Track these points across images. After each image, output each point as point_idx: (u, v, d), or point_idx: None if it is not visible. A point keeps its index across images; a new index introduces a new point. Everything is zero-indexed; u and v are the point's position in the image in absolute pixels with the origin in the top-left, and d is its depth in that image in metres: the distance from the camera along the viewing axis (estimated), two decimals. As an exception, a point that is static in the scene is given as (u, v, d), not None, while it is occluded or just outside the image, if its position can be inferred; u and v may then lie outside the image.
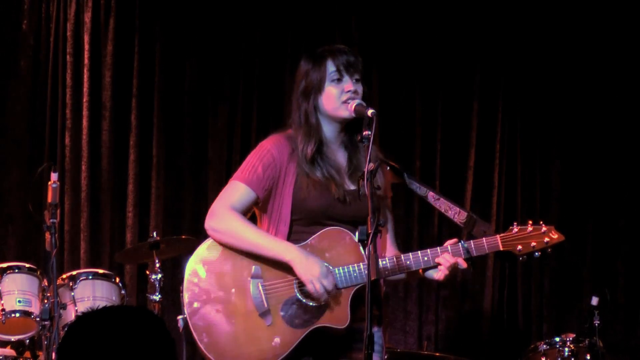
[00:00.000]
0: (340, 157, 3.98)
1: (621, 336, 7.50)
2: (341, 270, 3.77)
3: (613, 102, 7.75)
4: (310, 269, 3.75)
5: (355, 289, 3.76)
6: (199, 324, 3.85)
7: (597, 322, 5.90)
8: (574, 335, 6.01)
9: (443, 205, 3.85)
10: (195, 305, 3.86)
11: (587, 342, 5.91)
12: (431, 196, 3.89)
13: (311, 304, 3.80)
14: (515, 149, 7.75)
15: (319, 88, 3.93)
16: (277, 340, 3.78)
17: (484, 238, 3.72)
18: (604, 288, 6.12)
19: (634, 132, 7.70)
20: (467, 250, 3.73)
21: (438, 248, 3.78)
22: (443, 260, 3.75)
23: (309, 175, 3.89)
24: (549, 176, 7.78)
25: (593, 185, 7.75)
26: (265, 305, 3.81)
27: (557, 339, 6.02)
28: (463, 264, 3.75)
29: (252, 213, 4.06)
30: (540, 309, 7.64)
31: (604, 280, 7.49)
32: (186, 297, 3.88)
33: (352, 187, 3.85)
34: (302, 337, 3.77)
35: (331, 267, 3.79)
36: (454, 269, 3.76)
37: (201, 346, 3.84)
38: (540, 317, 7.63)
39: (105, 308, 2.59)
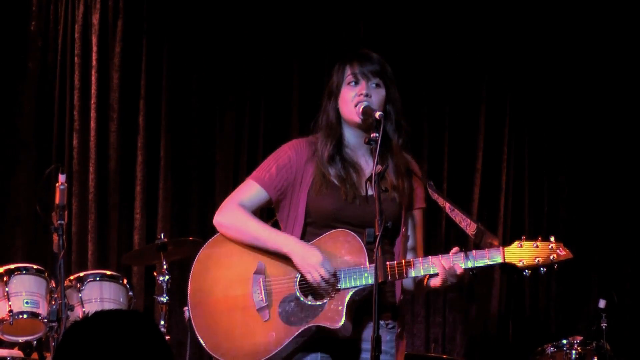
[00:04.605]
0: (364, 161, 3.98)
1: (628, 339, 7.49)
2: (342, 272, 3.78)
3: (620, 103, 7.76)
4: (308, 259, 3.76)
5: (354, 291, 3.75)
6: (199, 314, 3.93)
7: (604, 325, 5.90)
8: (582, 338, 6.01)
9: (457, 216, 3.84)
10: (198, 296, 3.94)
11: (594, 344, 5.91)
12: (448, 207, 3.88)
13: (309, 302, 3.81)
14: (523, 152, 7.76)
15: (337, 91, 3.94)
16: (271, 335, 3.80)
17: (486, 249, 3.70)
18: (612, 291, 6.11)
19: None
20: (469, 260, 3.71)
21: (440, 256, 3.77)
22: (439, 265, 3.73)
23: (325, 177, 3.90)
24: (557, 179, 7.78)
25: (601, 188, 7.75)
26: (264, 301, 3.84)
27: (565, 342, 6.03)
28: (459, 270, 3.71)
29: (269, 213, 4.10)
30: (547, 312, 7.65)
31: (612, 283, 7.49)
32: (190, 288, 3.96)
33: (370, 192, 3.83)
34: (295, 334, 3.77)
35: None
36: (450, 275, 3.73)
37: (199, 337, 3.91)
38: (548, 319, 7.63)
39: (97, 313, 2.59)
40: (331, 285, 3.75)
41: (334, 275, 3.75)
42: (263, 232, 3.88)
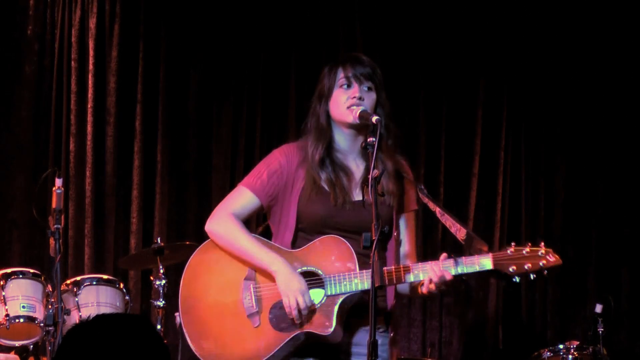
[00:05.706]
0: (354, 165, 3.98)
1: (625, 344, 7.49)
2: (332, 278, 3.78)
3: (618, 110, 7.76)
4: (291, 283, 3.78)
5: (343, 297, 3.75)
6: (190, 321, 3.94)
7: (601, 330, 5.90)
8: (578, 343, 6.00)
9: (448, 221, 3.84)
10: (189, 302, 3.96)
11: (591, 349, 5.91)
12: (439, 212, 3.88)
13: None
14: (520, 157, 7.76)
15: (328, 93, 3.94)
16: (261, 342, 3.81)
17: (476, 255, 3.69)
18: (608, 295, 6.11)
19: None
20: (458, 267, 3.69)
21: (430, 262, 3.75)
22: (431, 272, 3.72)
23: (315, 182, 3.90)
24: (553, 184, 7.78)
25: (597, 193, 7.75)
26: (255, 307, 3.85)
27: (561, 347, 6.02)
28: (449, 276, 3.69)
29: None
30: (544, 316, 7.64)
31: (608, 287, 7.49)
32: (181, 294, 3.99)
33: (361, 196, 3.83)
34: (285, 340, 3.78)
35: (322, 275, 3.79)
36: (441, 282, 3.72)
37: (190, 343, 3.91)
38: (544, 324, 7.63)
39: (98, 317, 2.59)
40: (302, 317, 3.77)
41: (311, 309, 3.77)
42: (252, 248, 3.89)
